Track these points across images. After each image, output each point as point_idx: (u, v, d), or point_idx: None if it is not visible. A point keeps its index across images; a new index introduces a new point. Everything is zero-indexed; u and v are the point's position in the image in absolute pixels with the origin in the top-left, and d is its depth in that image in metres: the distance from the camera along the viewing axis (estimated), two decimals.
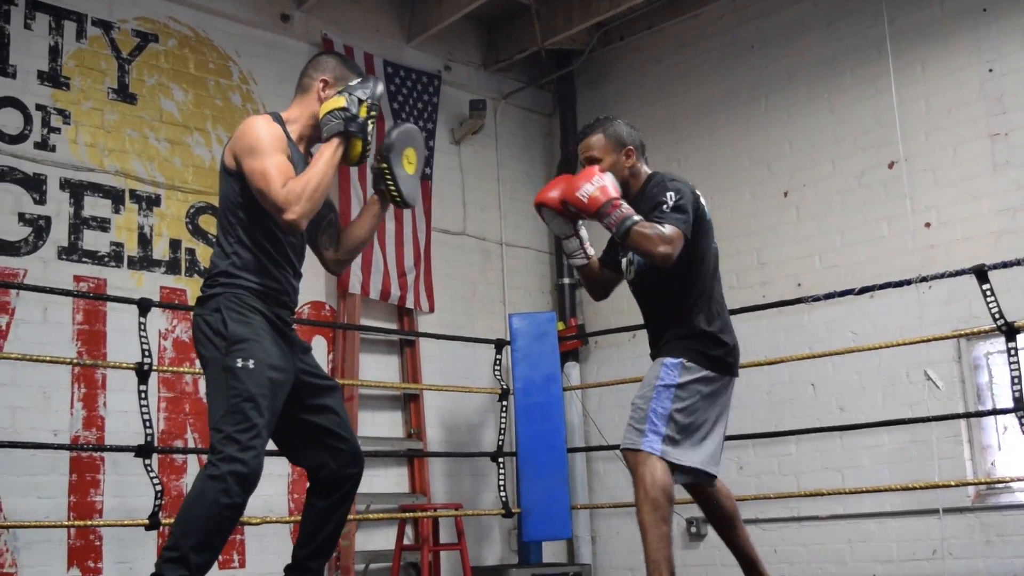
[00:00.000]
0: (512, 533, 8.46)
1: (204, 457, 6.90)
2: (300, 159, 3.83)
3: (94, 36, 7.07)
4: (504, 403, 7.46)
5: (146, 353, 5.77)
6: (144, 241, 7.03)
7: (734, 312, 7.35)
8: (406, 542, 7.46)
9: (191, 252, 7.24)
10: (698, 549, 8.10)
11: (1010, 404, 5.77)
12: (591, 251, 4.55)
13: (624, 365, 8.65)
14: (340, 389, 4.06)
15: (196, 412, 7.02)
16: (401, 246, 8.18)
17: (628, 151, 4.38)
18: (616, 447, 8.23)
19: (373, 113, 3.83)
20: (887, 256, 7.44)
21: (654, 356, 4.34)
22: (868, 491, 6.78)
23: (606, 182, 4.16)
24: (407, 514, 7.42)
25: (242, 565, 7.02)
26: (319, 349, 7.75)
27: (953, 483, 6.46)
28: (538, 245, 9.53)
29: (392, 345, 8.31)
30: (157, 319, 6.80)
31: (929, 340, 6.57)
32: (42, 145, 6.69)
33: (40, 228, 6.60)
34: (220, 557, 6.80)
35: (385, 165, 3.93)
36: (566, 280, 9.30)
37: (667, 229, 4.02)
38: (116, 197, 6.95)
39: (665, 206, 4.09)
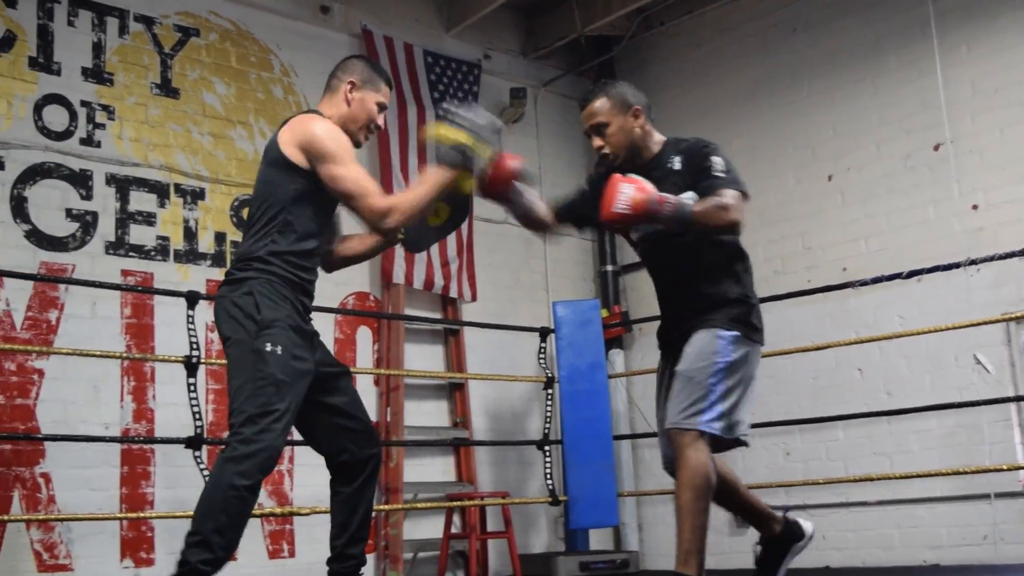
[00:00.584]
0: (559, 521, 8.47)
1: None
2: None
3: (136, 32, 7.12)
4: (549, 391, 7.46)
5: (194, 346, 5.82)
6: (189, 234, 7.08)
7: (779, 298, 7.39)
8: (454, 531, 7.48)
9: (236, 244, 7.28)
10: (745, 536, 8.05)
11: None
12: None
13: None
14: (350, 373, 4.10)
15: None
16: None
17: (635, 111, 4.16)
18: None
19: (490, 160, 3.88)
20: (934, 239, 7.37)
21: (685, 327, 4.08)
22: (917, 476, 6.72)
23: (635, 181, 3.90)
24: (454, 503, 7.44)
25: (292, 555, 7.06)
26: (364, 339, 7.78)
27: (1004, 467, 6.38)
28: (580, 233, 9.49)
29: (436, 335, 8.33)
30: (204, 311, 6.84)
31: (978, 324, 6.50)
32: (87, 141, 6.75)
33: (87, 223, 6.66)
34: (270, 547, 6.89)
35: None
36: (609, 267, 9.28)
37: (727, 197, 3.89)
38: (161, 191, 7.00)
39: (716, 170, 3.96)
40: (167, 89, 7.18)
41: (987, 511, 6.92)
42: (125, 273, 6.74)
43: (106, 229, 6.73)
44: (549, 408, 7.45)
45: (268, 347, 3.64)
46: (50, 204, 6.55)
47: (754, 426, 7.79)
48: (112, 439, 6.34)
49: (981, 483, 6.86)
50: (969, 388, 7.01)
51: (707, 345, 3.96)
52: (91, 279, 6.23)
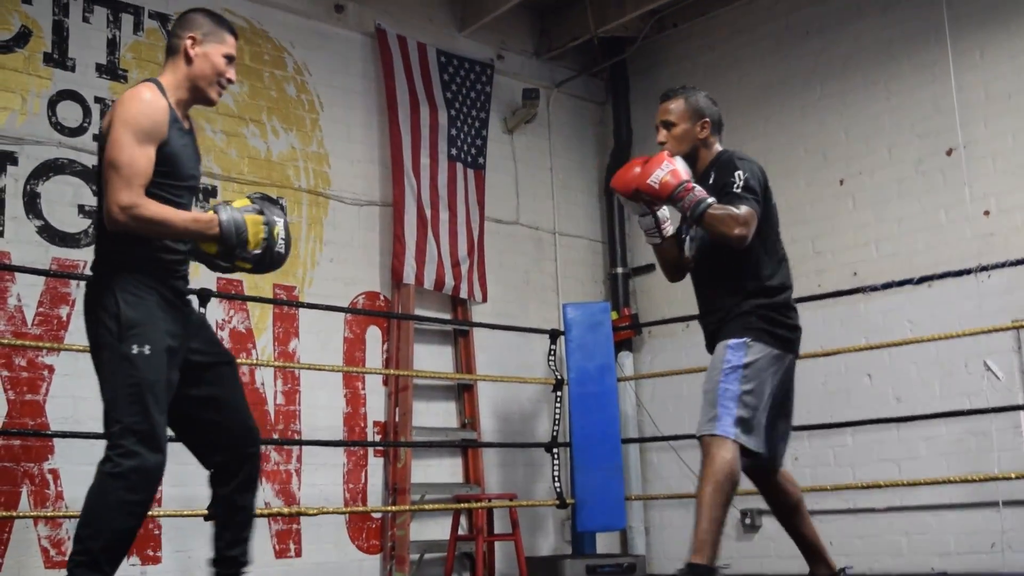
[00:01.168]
0: (566, 524, 8.46)
1: (262, 448, 6.96)
2: (179, 128, 3.72)
3: (151, 28, 7.13)
4: (558, 393, 7.47)
5: None
6: None
7: None
8: (460, 532, 7.48)
9: None
10: (753, 540, 8.06)
11: None
12: (669, 230, 4.53)
13: (678, 355, 8.61)
14: (233, 363, 3.91)
15: (253, 402, 6.97)
16: (455, 236, 8.20)
17: (704, 123, 4.42)
18: (670, 438, 8.24)
19: (257, 252, 3.65)
20: (945, 244, 7.35)
21: (712, 338, 4.34)
22: (926, 483, 6.72)
23: (676, 166, 4.21)
24: (461, 504, 7.44)
25: (298, 555, 7.07)
26: (374, 339, 7.79)
27: (1013, 475, 6.37)
28: (591, 234, 9.51)
29: (446, 335, 8.33)
30: (214, 309, 6.86)
31: (989, 331, 6.49)
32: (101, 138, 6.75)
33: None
34: (276, 547, 6.90)
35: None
36: (619, 269, 9.28)
37: (741, 210, 4.06)
38: None
39: (735, 186, 4.13)
40: None
41: (995, 519, 6.90)
42: None
43: None
44: (558, 410, 7.45)
45: (135, 349, 3.50)
46: (63, 200, 6.56)
47: None
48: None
49: (990, 490, 6.85)
50: (979, 395, 7.00)
51: (717, 357, 4.19)
52: None
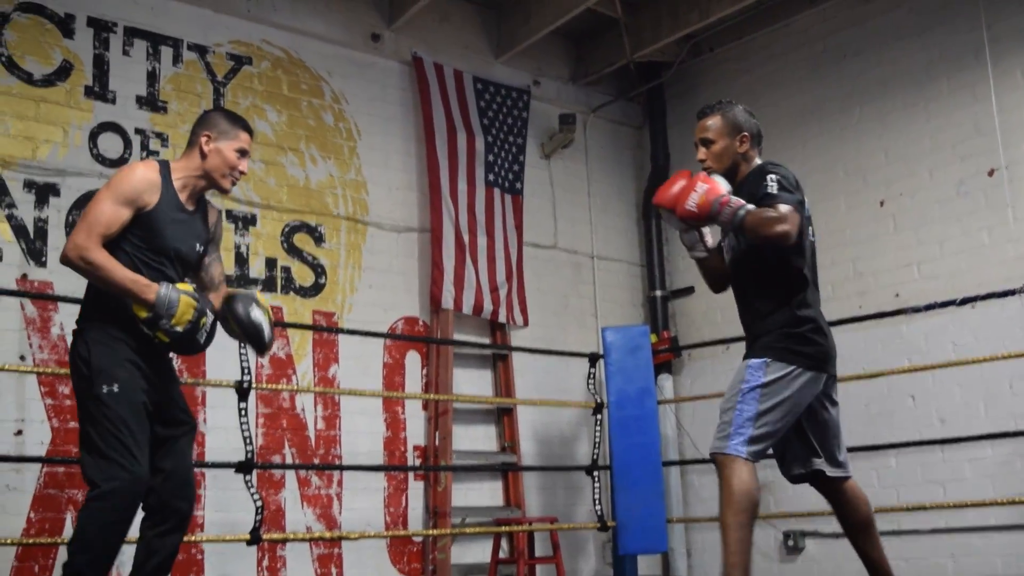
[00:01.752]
0: (607, 546, 8.43)
1: (301, 472, 7.01)
2: (174, 206, 4.05)
3: (190, 60, 7.22)
4: (598, 416, 7.45)
5: (245, 371, 5.86)
6: (241, 260, 7.15)
7: (831, 324, 7.31)
8: (501, 555, 7.48)
9: (287, 270, 7.34)
10: (796, 563, 7.99)
11: None
12: (711, 241, 4.54)
13: (718, 377, 8.58)
14: (194, 429, 4.20)
15: (293, 427, 7.11)
16: (493, 261, 8.22)
17: (743, 137, 4.42)
18: (710, 460, 8.19)
19: (178, 330, 3.89)
20: (988, 265, 7.28)
21: (747, 350, 4.34)
22: (971, 505, 6.65)
23: (711, 183, 4.22)
24: (502, 528, 7.43)
25: None
26: (413, 364, 7.81)
27: None
28: (630, 258, 9.50)
29: (485, 360, 8.34)
30: None
31: None
32: None
33: None
34: (319, 571, 6.93)
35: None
36: (658, 292, 9.26)
37: (780, 208, 4.04)
38: None
39: (769, 188, 4.12)
40: None
41: None
42: None
43: None
44: (598, 433, 7.43)
45: (104, 389, 3.80)
46: None
47: None
48: None
49: None
50: None
51: (737, 376, 4.20)
52: None
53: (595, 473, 7.39)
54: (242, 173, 4.21)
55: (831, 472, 4.35)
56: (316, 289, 7.47)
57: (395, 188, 8.06)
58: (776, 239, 4.03)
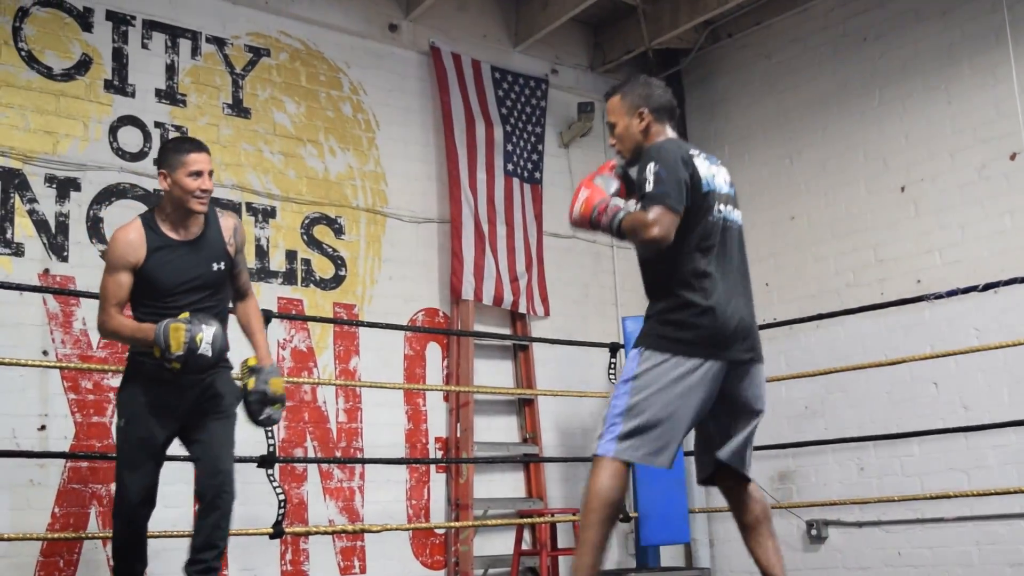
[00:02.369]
0: (629, 537, 8.42)
1: (323, 466, 7.02)
2: (168, 246, 4.49)
3: (208, 53, 7.22)
4: None
5: None
6: (261, 253, 7.15)
7: (852, 311, 7.30)
8: (524, 547, 7.47)
9: (307, 262, 7.34)
10: (819, 552, 7.97)
11: None
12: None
13: None
14: (224, 415, 4.68)
15: (315, 421, 7.12)
16: (513, 252, 8.20)
17: (640, 114, 4.14)
18: None
19: (179, 354, 4.32)
20: (1011, 250, 7.22)
21: None
22: (996, 493, 6.60)
23: (592, 190, 4.03)
24: (525, 519, 7.43)
25: (363, 571, 7.09)
26: (434, 355, 7.81)
27: None
28: None
29: (506, 350, 8.33)
30: (275, 329, 6.91)
31: None
32: None
33: None
34: (341, 563, 6.94)
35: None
36: None
37: (650, 213, 3.77)
38: (233, 210, 7.07)
39: (647, 185, 3.86)
40: (238, 109, 7.27)
41: None
42: None
43: None
44: None
45: (121, 422, 4.58)
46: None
47: (827, 441, 7.75)
48: (186, 458, 6.39)
49: None
50: None
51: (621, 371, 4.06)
52: None
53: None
54: (204, 191, 4.47)
55: (738, 471, 4.07)
56: (336, 281, 7.47)
57: (414, 179, 8.05)
58: (650, 244, 3.79)
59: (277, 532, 5.82)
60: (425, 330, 7.74)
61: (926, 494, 7.10)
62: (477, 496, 7.58)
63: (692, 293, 3.88)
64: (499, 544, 7.72)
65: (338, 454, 7.13)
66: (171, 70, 7.03)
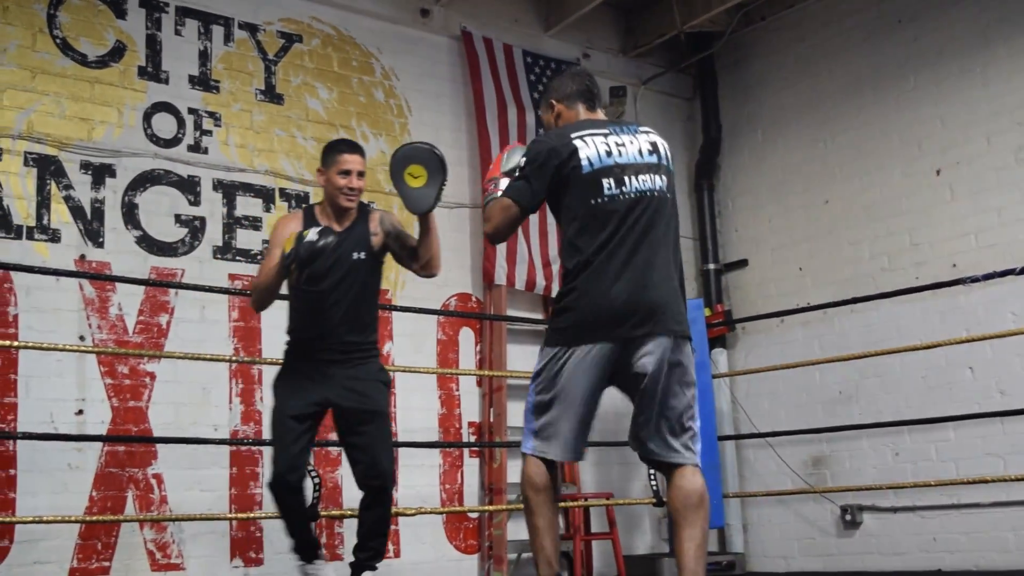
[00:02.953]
0: (663, 522, 8.42)
1: None
2: (317, 237, 4.68)
3: (241, 39, 7.24)
4: None
5: None
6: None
7: (887, 295, 7.25)
8: (559, 531, 7.47)
9: None
10: (854, 537, 7.94)
11: None
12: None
13: (772, 351, 8.53)
14: (377, 413, 4.97)
15: None
16: (545, 236, 8.19)
17: (551, 106, 4.21)
18: (767, 435, 8.17)
19: (289, 255, 4.64)
20: None
21: None
22: None
23: (496, 161, 4.24)
24: (558, 503, 7.42)
25: (397, 555, 7.12)
26: (467, 340, 7.82)
27: None
28: (683, 231, 9.19)
29: (539, 335, 8.30)
30: None
31: None
32: (195, 148, 6.88)
33: (195, 229, 6.80)
34: None
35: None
36: (711, 265, 9.19)
37: (494, 206, 3.95)
38: (267, 196, 7.11)
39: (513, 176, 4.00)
40: (271, 95, 7.29)
41: None
42: (232, 277, 6.87)
43: (214, 234, 6.86)
44: None
45: (272, 403, 4.97)
46: (159, 210, 6.69)
47: (862, 426, 7.71)
48: (221, 441, 6.46)
49: None
50: None
51: None
52: (200, 283, 6.36)
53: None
54: (352, 189, 4.96)
55: (661, 456, 3.92)
56: None
57: (447, 164, 8.04)
58: (487, 239, 3.99)
59: (312, 515, 5.84)
60: (458, 314, 7.75)
61: (962, 479, 7.06)
62: (510, 480, 7.58)
63: (572, 279, 3.84)
64: (524, 529, 7.71)
65: None
66: (204, 56, 7.06)
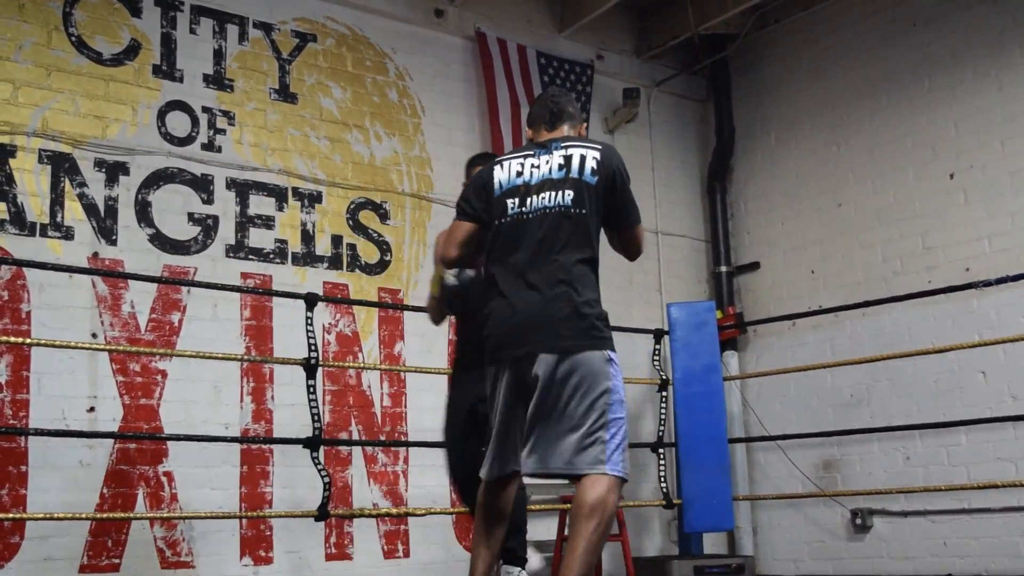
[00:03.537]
0: (672, 524, 8.41)
1: (368, 449, 7.06)
2: (458, 272, 4.45)
3: (255, 38, 7.25)
4: (663, 393, 7.42)
5: (312, 348, 5.90)
6: (307, 237, 7.19)
7: (899, 298, 7.24)
8: (567, 533, 7.46)
9: (352, 247, 7.37)
10: (863, 541, 7.92)
11: None
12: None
13: (784, 354, 8.52)
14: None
15: (359, 405, 7.16)
16: None
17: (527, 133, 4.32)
18: (777, 438, 8.17)
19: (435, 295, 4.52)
20: None
21: None
22: None
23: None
24: (568, 504, 7.43)
25: (406, 555, 7.12)
26: None
27: None
28: (694, 233, 9.43)
29: None
30: (320, 314, 6.95)
31: None
32: (208, 146, 6.90)
33: (208, 227, 6.81)
34: (385, 547, 6.98)
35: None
36: (723, 268, 9.18)
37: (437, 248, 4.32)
38: (279, 195, 7.12)
39: None
40: (285, 94, 7.31)
41: None
42: (244, 276, 6.88)
43: (226, 232, 6.87)
44: (663, 410, 7.40)
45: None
46: (173, 208, 6.71)
47: (873, 430, 7.69)
48: (232, 439, 6.47)
49: None
50: None
51: None
52: (212, 281, 6.37)
53: (660, 450, 7.36)
54: None
55: (561, 470, 3.87)
56: (382, 266, 7.49)
57: (459, 164, 8.00)
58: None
59: (322, 515, 5.86)
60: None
61: (973, 484, 7.04)
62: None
63: (491, 301, 3.95)
64: (542, 529, 7.71)
65: (382, 438, 7.16)
66: (219, 55, 7.08)
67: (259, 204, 7.04)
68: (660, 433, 7.36)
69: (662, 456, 7.37)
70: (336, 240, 7.33)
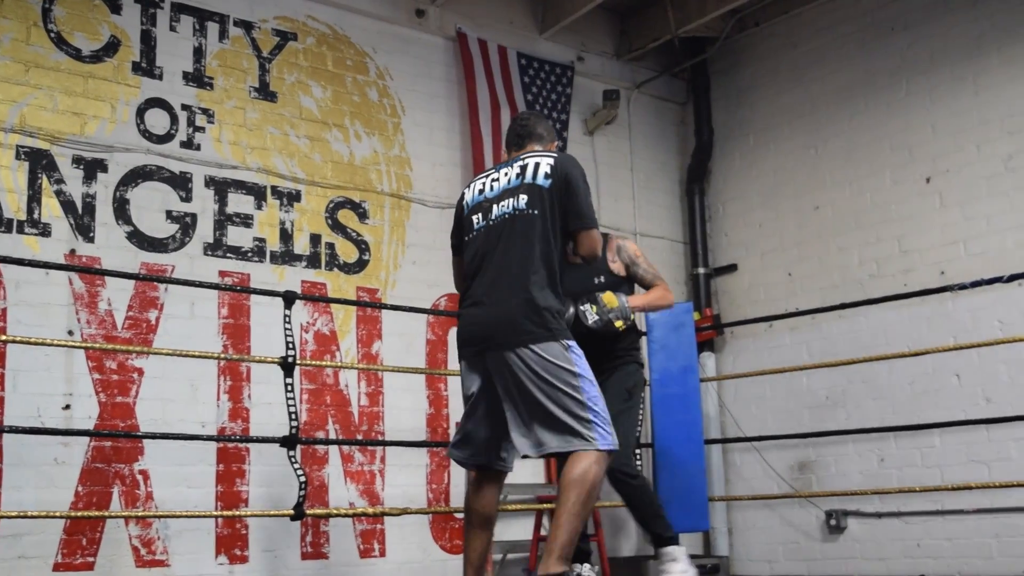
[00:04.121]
0: None
1: (345, 449, 7.05)
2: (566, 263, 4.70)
3: (236, 36, 7.25)
4: (641, 395, 7.42)
5: (290, 346, 5.89)
6: (285, 236, 7.19)
7: (875, 301, 7.28)
8: (543, 533, 7.48)
9: (331, 246, 7.37)
10: (837, 542, 7.97)
11: None
12: None
13: (760, 355, 8.56)
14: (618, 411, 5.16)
15: (336, 404, 7.16)
16: None
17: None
18: (753, 439, 8.20)
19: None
20: None
21: None
22: (1017, 485, 6.57)
23: None
24: (544, 505, 7.44)
25: (382, 555, 7.13)
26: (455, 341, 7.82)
27: None
28: (672, 235, 9.46)
29: None
30: (298, 312, 6.95)
31: None
32: (187, 144, 6.89)
33: (186, 225, 6.80)
34: (361, 546, 6.97)
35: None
36: (701, 270, 9.22)
37: None
38: (258, 193, 7.12)
39: None
40: (265, 93, 7.30)
41: None
42: (222, 274, 6.87)
43: (205, 231, 6.86)
44: (641, 411, 7.41)
45: None
46: (151, 206, 6.69)
47: (848, 432, 7.74)
48: (209, 437, 6.46)
49: None
50: None
51: None
52: (190, 279, 6.36)
53: (637, 451, 7.37)
54: None
55: (548, 451, 4.31)
56: (360, 265, 7.50)
57: (439, 164, 8.07)
58: None
59: (298, 514, 5.86)
60: (448, 314, 7.75)
61: (947, 485, 7.08)
62: None
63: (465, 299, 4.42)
64: (518, 530, 7.73)
65: (359, 437, 7.17)
66: (199, 53, 7.07)
67: (238, 202, 7.03)
68: (637, 434, 7.37)
69: (639, 457, 7.38)
70: (315, 239, 7.32)
